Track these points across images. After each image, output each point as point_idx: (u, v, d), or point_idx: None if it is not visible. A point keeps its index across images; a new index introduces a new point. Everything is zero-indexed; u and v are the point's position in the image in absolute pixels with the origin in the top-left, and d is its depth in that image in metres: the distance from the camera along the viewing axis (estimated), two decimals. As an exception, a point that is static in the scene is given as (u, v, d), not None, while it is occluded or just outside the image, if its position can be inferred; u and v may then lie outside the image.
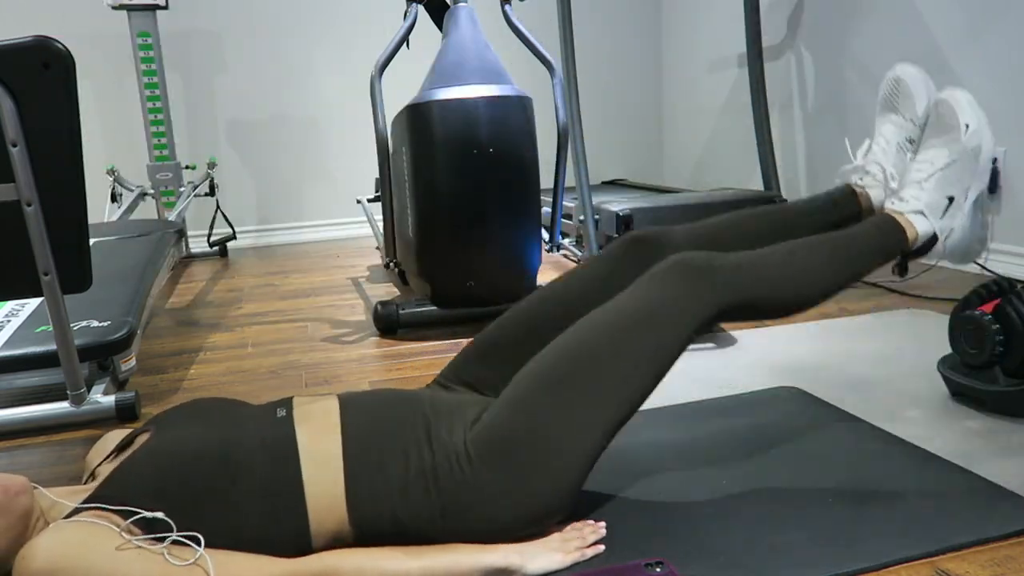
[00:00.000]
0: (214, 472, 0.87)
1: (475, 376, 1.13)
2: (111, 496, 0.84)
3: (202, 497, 0.85)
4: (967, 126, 1.13)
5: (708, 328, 1.03)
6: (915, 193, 1.14)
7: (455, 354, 1.18)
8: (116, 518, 0.82)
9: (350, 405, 0.98)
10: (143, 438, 0.96)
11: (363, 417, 0.96)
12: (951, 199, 1.13)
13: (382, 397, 1.01)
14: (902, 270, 1.18)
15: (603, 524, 1.00)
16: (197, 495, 0.86)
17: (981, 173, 1.14)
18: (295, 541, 0.89)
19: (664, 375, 0.99)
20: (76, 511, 0.83)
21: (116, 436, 1.07)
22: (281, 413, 0.96)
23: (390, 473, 0.91)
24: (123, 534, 0.80)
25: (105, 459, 0.99)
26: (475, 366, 1.14)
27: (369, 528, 0.90)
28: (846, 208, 1.24)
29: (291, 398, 1.01)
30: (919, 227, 1.14)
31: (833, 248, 1.10)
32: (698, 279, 0.99)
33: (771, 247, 1.08)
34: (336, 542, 0.91)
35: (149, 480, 0.86)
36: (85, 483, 1.01)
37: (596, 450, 0.96)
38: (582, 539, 0.96)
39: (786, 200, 2.79)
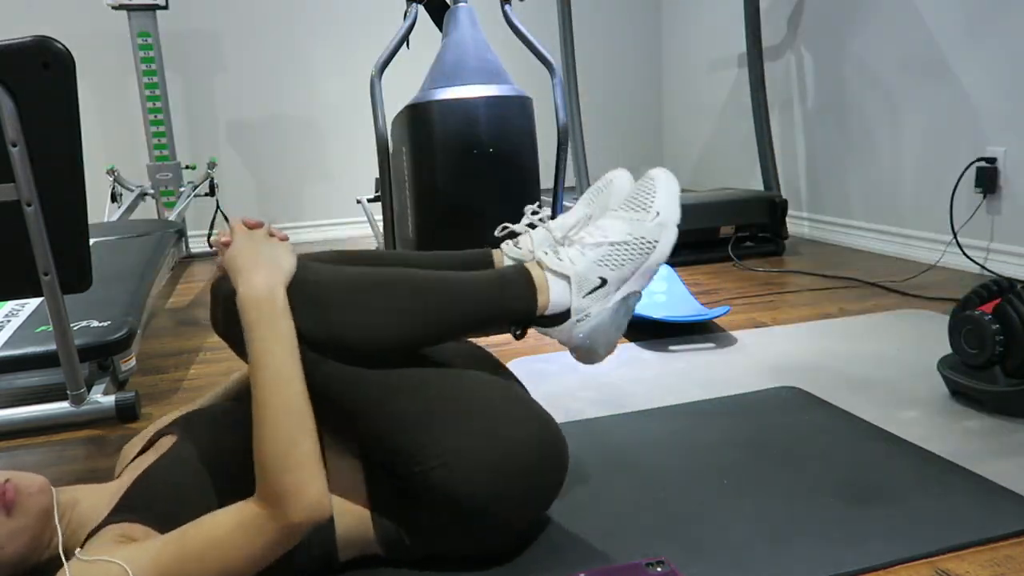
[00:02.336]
0: (235, 478, 0.88)
1: None
2: (134, 508, 0.84)
3: (225, 503, 0.86)
4: (657, 213, 0.95)
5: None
6: (573, 255, 0.95)
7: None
8: (138, 529, 0.83)
9: None
10: (170, 440, 0.96)
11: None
12: (603, 281, 0.94)
13: None
14: (521, 333, 0.98)
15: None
16: (219, 501, 0.87)
17: (644, 273, 0.96)
18: (320, 544, 0.91)
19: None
20: (99, 530, 0.83)
21: (147, 434, 1.08)
22: None
23: (400, 496, 0.92)
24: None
25: (133, 460, 1.00)
26: None
27: (393, 549, 0.93)
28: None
29: None
30: (554, 295, 0.94)
31: (436, 290, 0.92)
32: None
33: (373, 269, 0.93)
34: (362, 552, 0.94)
35: (172, 487, 0.86)
36: (117, 476, 1.02)
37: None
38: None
39: (785, 200, 2.79)
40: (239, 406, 1.04)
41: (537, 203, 1.04)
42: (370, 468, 0.94)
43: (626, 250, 0.94)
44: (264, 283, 0.84)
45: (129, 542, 0.81)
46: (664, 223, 0.95)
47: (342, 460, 0.94)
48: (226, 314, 0.87)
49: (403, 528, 0.92)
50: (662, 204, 0.95)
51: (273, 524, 0.78)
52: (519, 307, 0.93)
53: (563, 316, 0.95)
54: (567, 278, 0.94)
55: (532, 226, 1.08)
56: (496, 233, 1.06)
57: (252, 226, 0.91)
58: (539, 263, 0.96)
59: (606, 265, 0.94)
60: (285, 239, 0.92)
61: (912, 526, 0.98)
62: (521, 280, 0.94)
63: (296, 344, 0.83)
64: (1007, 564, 0.91)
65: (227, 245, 0.89)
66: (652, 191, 0.96)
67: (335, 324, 0.86)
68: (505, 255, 1.06)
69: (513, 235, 1.09)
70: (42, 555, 0.83)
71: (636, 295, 0.96)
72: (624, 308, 0.96)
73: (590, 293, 0.94)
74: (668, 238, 0.95)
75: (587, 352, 0.98)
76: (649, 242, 0.95)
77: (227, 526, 0.79)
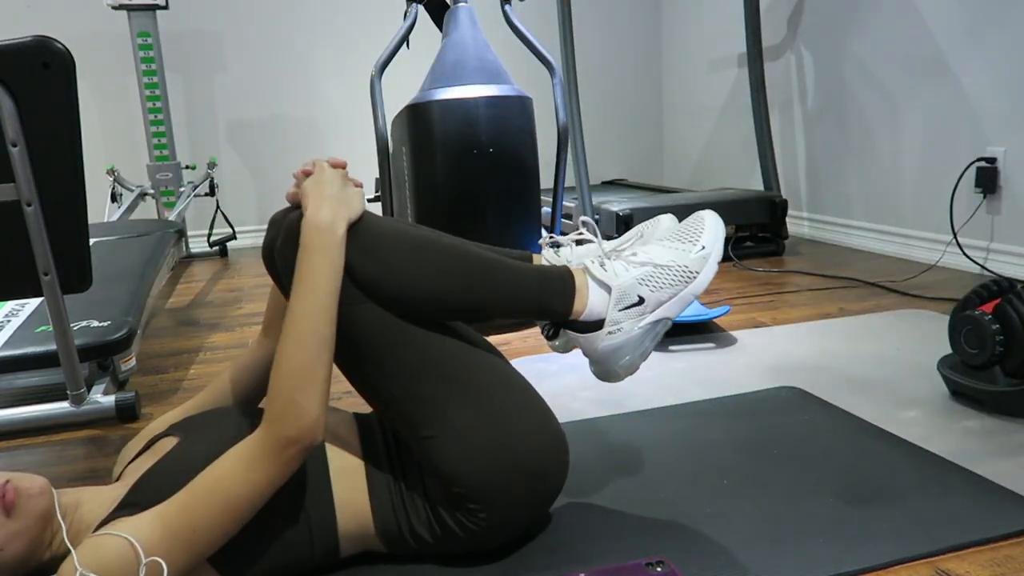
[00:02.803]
0: None
1: None
2: (139, 504, 0.84)
3: None
4: (703, 247, 0.99)
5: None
6: (619, 269, 0.98)
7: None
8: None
9: (364, 424, 1.02)
10: (171, 442, 0.96)
11: (377, 437, 1.00)
12: (641, 300, 0.97)
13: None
14: (553, 332, 1.02)
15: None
16: None
17: (681, 300, 0.98)
18: (324, 547, 0.92)
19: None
20: (105, 523, 0.83)
21: (148, 435, 1.08)
22: None
23: (405, 495, 0.95)
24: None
25: (132, 460, 1.00)
26: None
27: (396, 545, 0.94)
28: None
29: None
30: (592, 302, 0.97)
31: (485, 267, 0.95)
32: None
33: (432, 232, 0.97)
34: (364, 549, 0.95)
35: (177, 487, 0.86)
36: (116, 479, 1.02)
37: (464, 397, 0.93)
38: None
39: (785, 200, 2.80)
40: (238, 408, 1.04)
41: (583, 223, 1.08)
42: (371, 462, 0.95)
43: (669, 274, 0.98)
44: (330, 214, 0.88)
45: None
46: (707, 257, 0.99)
47: (344, 456, 0.95)
48: (286, 238, 0.91)
49: (402, 521, 0.93)
50: (708, 240, 0.99)
51: (269, 444, 0.82)
52: (556, 304, 0.97)
53: (596, 325, 0.97)
54: (608, 288, 0.97)
55: (579, 243, 1.11)
56: (540, 241, 1.09)
57: (335, 165, 0.95)
58: (585, 269, 0.99)
59: (647, 285, 0.97)
60: (360, 186, 0.96)
61: (912, 526, 0.98)
62: (563, 279, 0.98)
63: (340, 279, 0.88)
64: (1007, 564, 0.91)
65: (307, 175, 0.94)
66: (700, 227, 1.00)
67: (382, 267, 0.90)
68: (544, 259, 1.09)
69: (557, 246, 1.12)
70: (43, 556, 0.83)
71: (667, 322, 0.99)
72: (653, 333, 0.99)
73: (627, 308, 0.97)
74: (709, 271, 0.99)
75: (607, 368, 1.00)
76: (691, 272, 0.98)
77: (227, 462, 0.83)
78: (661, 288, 0.97)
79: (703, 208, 1.13)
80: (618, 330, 0.97)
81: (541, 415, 0.96)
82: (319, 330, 0.85)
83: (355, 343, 0.91)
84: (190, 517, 0.80)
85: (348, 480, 0.94)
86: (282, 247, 0.92)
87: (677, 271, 0.98)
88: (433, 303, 0.92)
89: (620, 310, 0.97)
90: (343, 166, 0.96)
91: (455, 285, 0.93)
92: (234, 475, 0.82)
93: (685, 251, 0.99)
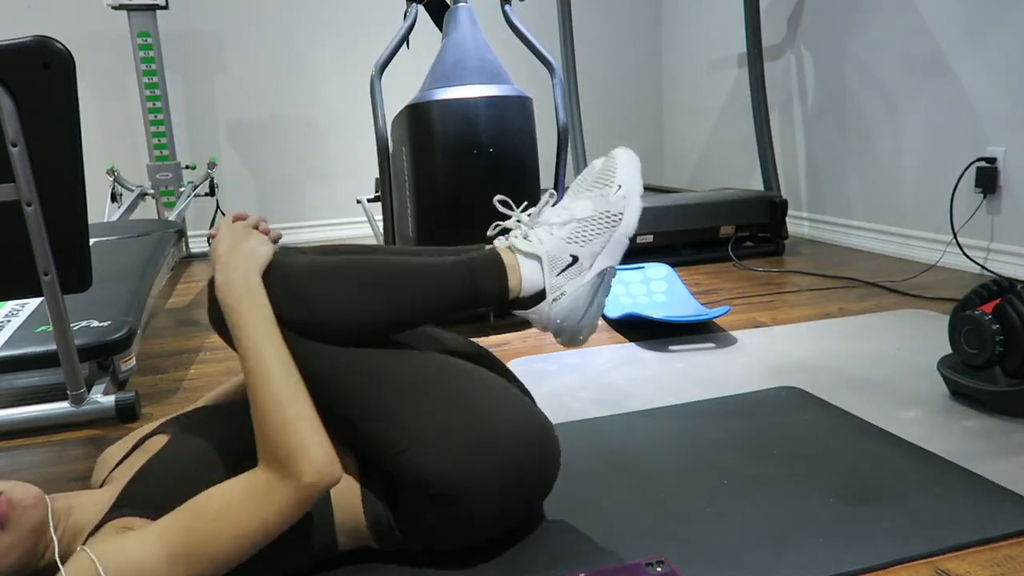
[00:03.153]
0: (235, 473, 0.88)
1: None
2: (134, 503, 0.84)
3: None
4: (619, 187, 0.97)
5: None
6: (542, 235, 0.97)
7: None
8: (138, 522, 0.82)
9: None
10: (160, 440, 0.96)
11: None
12: (575, 259, 0.96)
13: None
14: (496, 316, 1.01)
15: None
16: None
17: (615, 246, 0.97)
18: (321, 541, 0.91)
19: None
20: (102, 525, 0.83)
21: (128, 441, 1.07)
22: None
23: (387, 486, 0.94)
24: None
25: (120, 462, 1.00)
26: None
27: (385, 538, 0.94)
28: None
29: None
30: (526, 275, 0.96)
31: (406, 273, 0.94)
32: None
33: (346, 256, 0.97)
34: (359, 543, 0.94)
35: (170, 484, 0.86)
36: (102, 486, 1.01)
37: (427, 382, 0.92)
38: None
39: (785, 200, 2.80)
40: (232, 401, 1.04)
41: (498, 201, 1.06)
42: (361, 456, 0.95)
43: (593, 225, 0.96)
44: (238, 270, 0.89)
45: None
46: (627, 195, 0.97)
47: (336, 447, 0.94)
48: (211, 303, 0.92)
49: (391, 517, 0.92)
50: (623, 178, 0.98)
51: (283, 488, 0.80)
52: (491, 288, 0.95)
53: (539, 297, 0.96)
54: (537, 258, 0.96)
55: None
56: (488, 232, 1.07)
57: (237, 219, 0.97)
58: (510, 248, 0.98)
59: (575, 242, 0.96)
60: (267, 232, 0.97)
61: (912, 526, 0.98)
62: (491, 262, 0.96)
63: (274, 321, 0.87)
64: (1007, 564, 0.91)
65: (214, 237, 0.95)
66: (613, 168, 0.99)
67: (307, 306, 0.89)
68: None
69: (505, 232, 1.10)
70: (37, 566, 0.81)
71: (611, 271, 0.98)
72: (599, 284, 0.97)
73: (563, 271, 0.96)
74: (633, 209, 0.97)
75: (568, 334, 0.98)
76: (614, 215, 0.96)
77: (237, 496, 0.80)
78: (590, 240, 0.96)
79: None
80: (562, 295, 0.96)
81: (514, 407, 0.94)
82: (272, 370, 0.84)
83: (305, 381, 0.88)
84: (193, 545, 0.78)
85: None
86: (213, 312, 0.92)
87: (600, 219, 0.96)
88: (363, 324, 0.91)
89: (557, 275, 0.96)
90: (244, 218, 0.97)
91: (378, 300, 0.92)
92: (245, 511, 0.79)
93: (603, 196, 0.97)
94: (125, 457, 1.00)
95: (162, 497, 0.85)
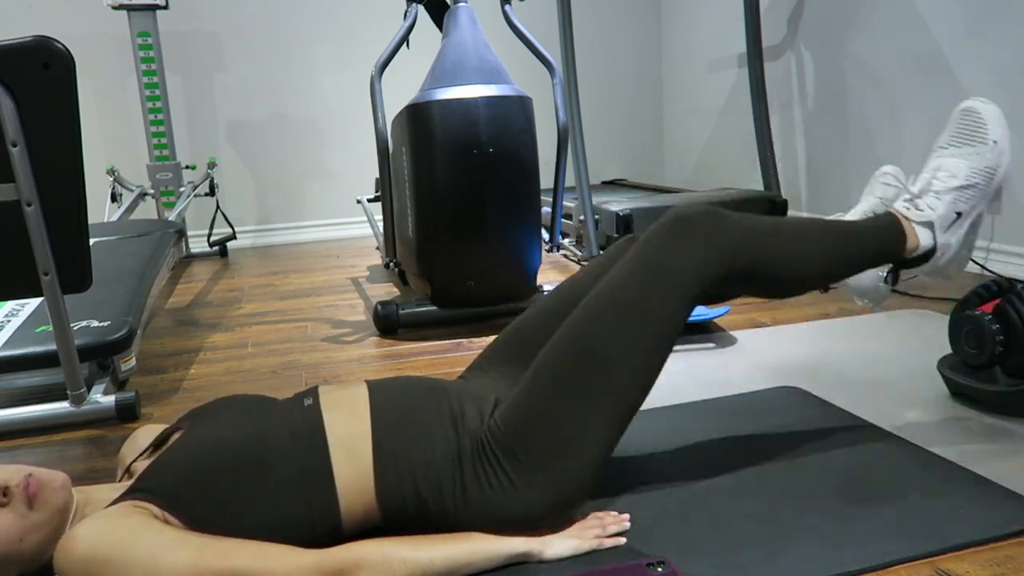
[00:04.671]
0: (247, 463, 0.88)
1: (498, 371, 1.14)
2: (149, 489, 0.85)
3: (238, 487, 0.87)
4: (995, 143, 1.10)
5: (712, 297, 1.02)
6: (932, 203, 1.12)
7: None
8: (154, 508, 0.83)
9: (378, 390, 1.00)
10: (176, 435, 0.96)
11: (391, 402, 0.97)
12: (959, 215, 1.12)
13: (410, 383, 1.03)
14: (894, 279, 1.17)
15: (627, 516, 1.01)
16: (232, 486, 0.87)
17: (990, 193, 1.13)
18: (327, 525, 0.91)
19: (667, 352, 0.98)
20: (115, 504, 0.84)
21: (148, 432, 1.09)
22: (308, 402, 0.98)
23: (415, 457, 0.93)
24: (160, 521, 0.81)
25: (140, 456, 1.00)
26: (497, 362, 1.15)
27: (395, 512, 0.92)
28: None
29: (317, 387, 1.02)
30: (922, 239, 1.12)
31: (837, 237, 1.08)
32: (700, 238, 0.97)
33: (774, 219, 1.06)
34: (365, 524, 0.93)
35: (185, 473, 0.87)
36: (120, 480, 1.02)
37: (609, 439, 0.96)
38: (602, 528, 0.97)
39: (785, 200, 2.80)
40: (242, 396, 1.04)
41: (885, 173, 1.22)
42: (380, 426, 0.94)
43: (975, 184, 1.11)
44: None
45: (148, 514, 0.81)
46: (1003, 149, 1.11)
47: (346, 425, 0.94)
48: None
49: (407, 487, 0.91)
50: (997, 133, 1.12)
51: None
52: (895, 247, 1.11)
53: (929, 254, 1.12)
54: (930, 224, 1.11)
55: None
56: (896, 206, 1.19)
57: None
58: (901, 217, 1.12)
59: (960, 202, 1.11)
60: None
61: (912, 526, 0.98)
62: (892, 226, 1.11)
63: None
64: (1007, 564, 0.91)
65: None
66: (983, 123, 1.12)
67: (752, 258, 1.00)
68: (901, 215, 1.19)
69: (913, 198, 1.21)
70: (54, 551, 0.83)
71: (982, 214, 1.14)
72: (974, 229, 1.14)
73: (949, 228, 1.12)
74: (1007, 157, 1.11)
75: (944, 273, 1.15)
76: (991, 168, 1.11)
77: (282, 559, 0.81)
78: (973, 197, 1.12)
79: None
80: (948, 247, 1.12)
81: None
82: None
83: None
84: (225, 560, 0.79)
85: (349, 449, 0.92)
86: None
87: (980, 175, 1.11)
88: (800, 271, 1.05)
89: (945, 232, 1.11)
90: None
91: (814, 250, 1.06)
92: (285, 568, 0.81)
93: (979, 153, 1.11)
94: (143, 452, 1.01)
95: (180, 486, 0.86)
